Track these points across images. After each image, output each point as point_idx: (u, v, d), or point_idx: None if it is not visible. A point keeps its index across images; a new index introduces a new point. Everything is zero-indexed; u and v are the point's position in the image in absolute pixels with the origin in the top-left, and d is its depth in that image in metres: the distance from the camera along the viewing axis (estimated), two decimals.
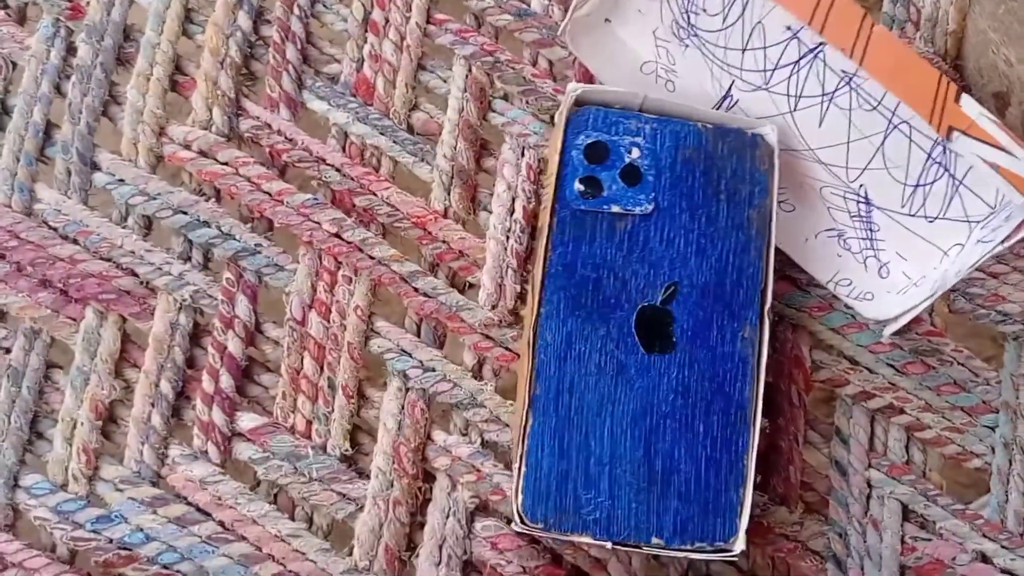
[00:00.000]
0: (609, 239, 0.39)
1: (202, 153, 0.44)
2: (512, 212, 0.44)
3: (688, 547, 0.37)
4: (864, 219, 0.42)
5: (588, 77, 0.45)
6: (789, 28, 0.39)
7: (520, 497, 0.37)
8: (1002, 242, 0.36)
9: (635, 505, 0.37)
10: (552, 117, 0.45)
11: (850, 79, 0.39)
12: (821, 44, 0.39)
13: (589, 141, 0.40)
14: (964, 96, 0.38)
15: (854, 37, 0.38)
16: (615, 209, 0.39)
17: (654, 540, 0.37)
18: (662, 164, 0.39)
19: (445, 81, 0.45)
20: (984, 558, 0.41)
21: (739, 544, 0.37)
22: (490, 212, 0.44)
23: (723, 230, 0.39)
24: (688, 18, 0.41)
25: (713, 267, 0.39)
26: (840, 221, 0.42)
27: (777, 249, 0.42)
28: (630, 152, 0.39)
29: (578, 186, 0.39)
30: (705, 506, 0.37)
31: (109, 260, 0.43)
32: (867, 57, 0.38)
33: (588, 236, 0.39)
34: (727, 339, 0.38)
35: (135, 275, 0.42)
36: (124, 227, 0.43)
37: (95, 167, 0.44)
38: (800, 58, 0.39)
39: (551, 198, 0.39)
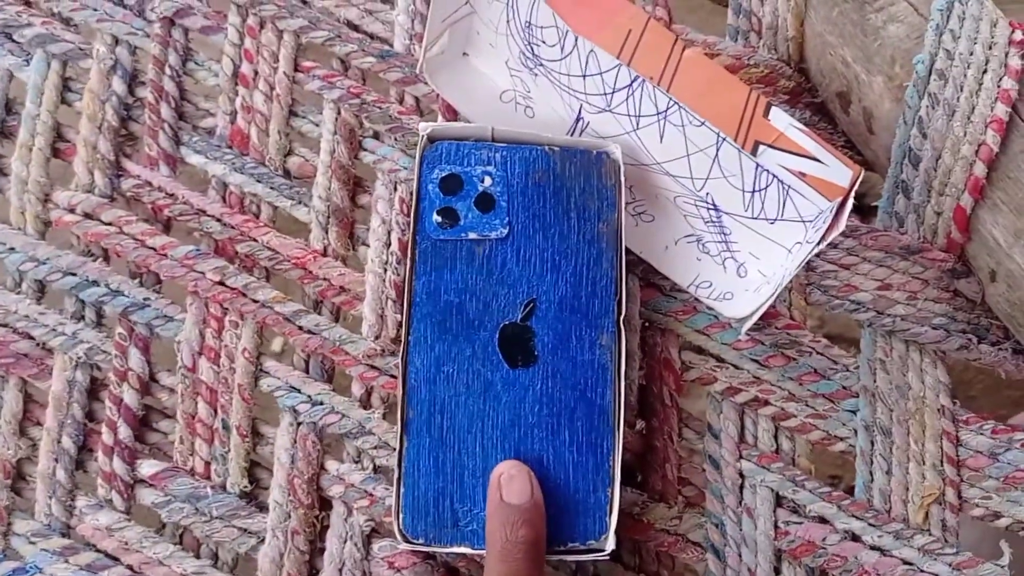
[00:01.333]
0: (469, 265, 0.41)
1: (87, 215, 0.45)
2: (388, 245, 0.45)
3: (562, 548, 0.39)
4: (717, 224, 0.43)
5: (452, 110, 0.47)
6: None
7: (401, 516, 0.39)
8: (818, 243, 0.38)
9: None
10: None
11: (677, 99, 0.41)
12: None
13: (444, 174, 0.42)
14: (773, 109, 0.40)
15: (663, 64, 0.40)
16: (472, 236, 0.41)
17: None
18: (514, 189, 0.41)
19: (316, 125, 0.47)
20: (854, 536, 0.42)
21: (609, 543, 0.39)
22: (368, 246, 0.46)
23: (575, 245, 0.41)
24: (532, 49, 0.43)
25: (568, 281, 0.41)
26: (696, 227, 0.44)
27: (640, 258, 0.44)
28: (483, 181, 0.42)
29: (436, 218, 0.41)
30: (575, 508, 0.39)
31: (6, 326, 0.45)
32: (675, 82, 0.40)
33: (449, 264, 0.41)
34: (586, 348, 0.40)
35: (31, 338, 0.44)
36: (18, 293, 0.45)
37: None
38: (632, 82, 0.41)
39: (412, 231, 0.41)
